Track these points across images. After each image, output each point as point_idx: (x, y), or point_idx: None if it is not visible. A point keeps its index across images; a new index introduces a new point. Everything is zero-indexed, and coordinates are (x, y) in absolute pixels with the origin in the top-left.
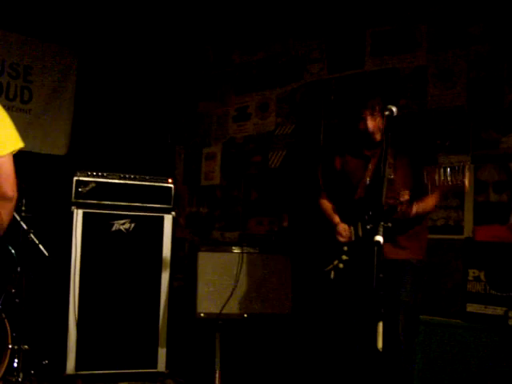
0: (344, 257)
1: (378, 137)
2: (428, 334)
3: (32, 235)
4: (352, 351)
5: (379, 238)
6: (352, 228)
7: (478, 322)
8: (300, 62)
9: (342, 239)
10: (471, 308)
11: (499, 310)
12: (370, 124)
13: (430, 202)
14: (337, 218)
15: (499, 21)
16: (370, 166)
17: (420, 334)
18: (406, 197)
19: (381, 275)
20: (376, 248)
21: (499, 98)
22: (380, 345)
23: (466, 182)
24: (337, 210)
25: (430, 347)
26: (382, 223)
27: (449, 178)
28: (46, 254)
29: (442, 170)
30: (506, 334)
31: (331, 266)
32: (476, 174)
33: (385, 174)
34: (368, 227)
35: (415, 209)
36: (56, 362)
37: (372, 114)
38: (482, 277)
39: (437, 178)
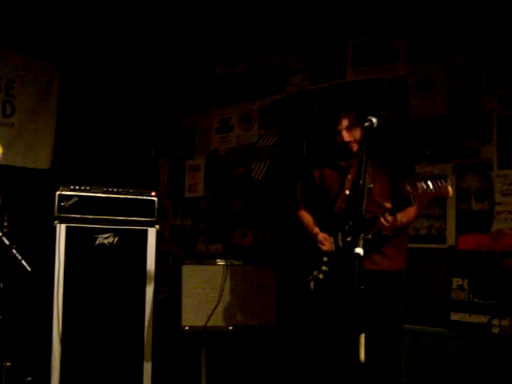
0: (324, 267)
1: (354, 147)
2: (413, 344)
3: (14, 250)
4: (336, 363)
5: (359, 251)
6: (332, 238)
7: (462, 330)
8: (282, 73)
9: (324, 248)
10: (455, 316)
11: (483, 318)
12: (346, 136)
13: (411, 212)
14: (316, 229)
15: (476, 32)
16: (349, 177)
17: (405, 344)
18: (388, 205)
19: (362, 287)
20: (356, 260)
21: (478, 107)
22: (362, 357)
23: (450, 188)
24: (316, 222)
25: (415, 356)
26: (362, 235)
27: (431, 187)
28: (29, 269)
29: (423, 182)
30: (490, 341)
31: (311, 277)
32: (458, 182)
33: (365, 185)
34: (348, 239)
35: (399, 218)
36: (40, 379)
37: (347, 129)
38: (466, 285)
39: (420, 187)
